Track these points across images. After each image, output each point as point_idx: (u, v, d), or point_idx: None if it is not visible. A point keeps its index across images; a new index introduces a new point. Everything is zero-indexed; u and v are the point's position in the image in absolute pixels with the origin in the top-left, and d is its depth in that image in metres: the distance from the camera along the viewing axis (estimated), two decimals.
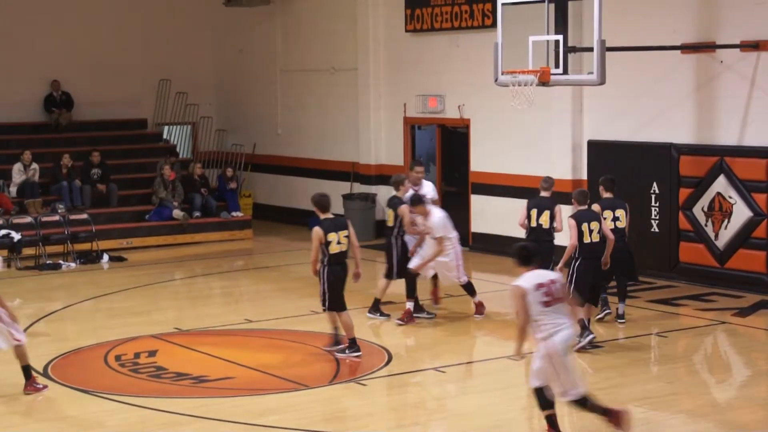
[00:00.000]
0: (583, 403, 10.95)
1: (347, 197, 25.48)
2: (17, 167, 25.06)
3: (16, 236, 22.98)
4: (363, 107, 25.69)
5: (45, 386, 13.44)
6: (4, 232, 23.00)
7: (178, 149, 29.06)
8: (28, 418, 12.95)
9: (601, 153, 20.79)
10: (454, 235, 16.97)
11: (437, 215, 16.52)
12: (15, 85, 27.19)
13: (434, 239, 16.42)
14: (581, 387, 10.96)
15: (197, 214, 25.44)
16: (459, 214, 23.29)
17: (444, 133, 24.27)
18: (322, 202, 14.92)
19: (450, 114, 23.78)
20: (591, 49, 17.03)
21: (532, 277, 10.95)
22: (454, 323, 17.09)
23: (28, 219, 23.60)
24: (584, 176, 21.03)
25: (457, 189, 23.84)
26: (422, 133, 24.92)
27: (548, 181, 17.23)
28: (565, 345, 11.00)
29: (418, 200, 16.55)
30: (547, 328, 10.85)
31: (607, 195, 16.59)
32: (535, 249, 11.56)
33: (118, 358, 15.16)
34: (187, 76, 29.24)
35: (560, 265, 15.09)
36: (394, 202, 16.86)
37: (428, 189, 17.78)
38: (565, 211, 16.54)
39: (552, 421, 10.99)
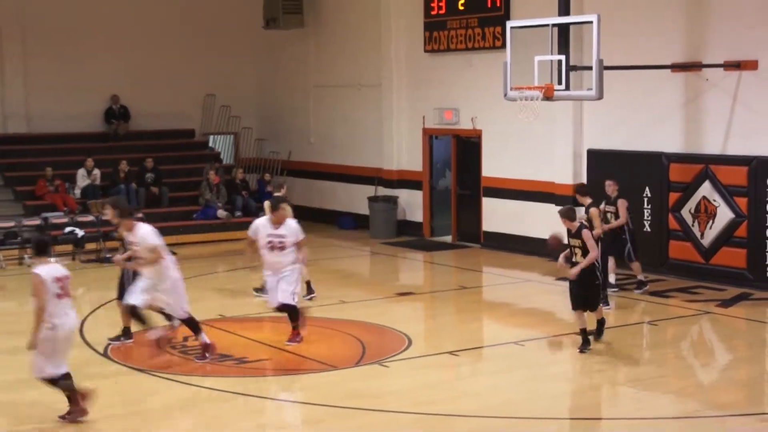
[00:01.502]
0: (57, 382, 11.37)
1: (372, 199, 25.51)
2: (81, 172, 25.19)
3: (80, 233, 23.11)
4: (386, 119, 25.69)
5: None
6: (69, 228, 23.14)
7: (222, 156, 29.12)
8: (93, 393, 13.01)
9: (599, 160, 20.76)
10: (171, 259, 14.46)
11: (146, 228, 14.20)
12: (79, 100, 27.29)
13: (148, 250, 13.92)
14: (63, 369, 11.34)
15: (239, 213, 25.51)
16: (472, 215, 23.38)
17: (459, 142, 24.24)
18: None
19: (464, 125, 23.78)
20: (590, 68, 17.04)
21: (50, 270, 11.22)
22: (467, 312, 17.06)
23: (91, 218, 23.70)
24: (584, 180, 20.98)
25: (470, 192, 23.81)
26: (439, 142, 24.90)
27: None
28: (68, 333, 11.39)
29: None
30: (59, 315, 11.12)
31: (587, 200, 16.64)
32: (50, 240, 12.02)
33: (169, 340, 15.21)
34: (231, 91, 29.29)
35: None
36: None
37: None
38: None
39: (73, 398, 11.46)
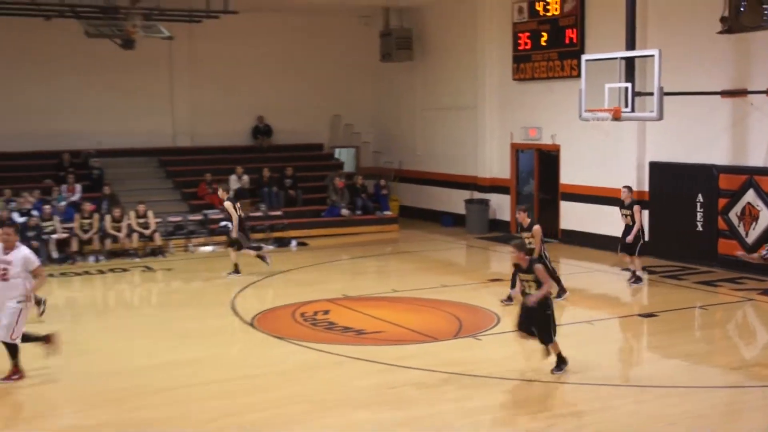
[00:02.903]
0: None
1: (468, 201, 25.50)
2: (233, 177, 25.56)
3: (230, 225, 23.45)
4: (480, 135, 25.62)
5: None
6: (223, 223, 23.49)
7: (345, 165, 29.29)
8: (241, 355, 13.22)
9: (659, 171, 20.54)
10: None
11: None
12: (232, 119, 27.74)
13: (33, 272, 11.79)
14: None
15: (359, 212, 25.69)
16: (551, 215, 23.20)
17: (540, 155, 24.06)
18: None
19: (545, 141, 23.62)
20: (652, 94, 16.82)
21: None
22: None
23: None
24: (646, 188, 20.76)
25: (550, 196, 23.64)
26: (524, 155, 24.74)
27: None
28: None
29: None
30: None
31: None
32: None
33: (302, 314, 15.40)
34: (353, 112, 29.50)
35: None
36: None
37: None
38: None
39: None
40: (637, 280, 17.65)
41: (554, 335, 11.79)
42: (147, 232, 22.17)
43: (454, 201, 26.40)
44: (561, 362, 11.84)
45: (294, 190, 26.01)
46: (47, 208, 22.11)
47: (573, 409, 10.70)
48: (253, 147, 28.05)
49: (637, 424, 10.14)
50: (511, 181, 24.92)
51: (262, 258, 19.44)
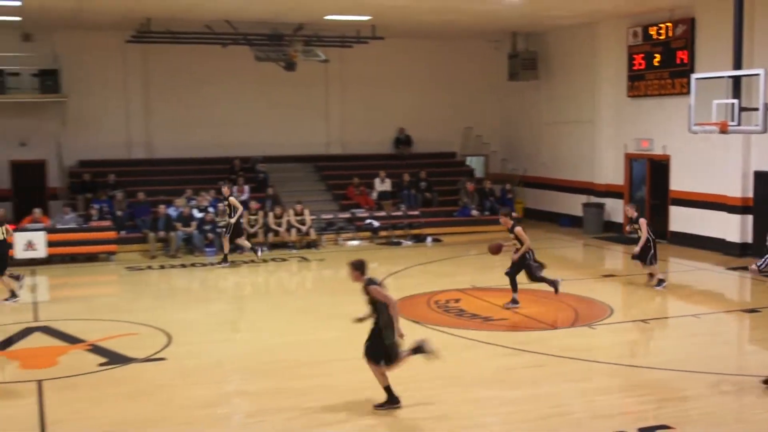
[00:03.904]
0: None
1: (586, 205, 25.02)
2: (377, 181, 25.80)
3: (375, 223, 23.70)
4: (597, 146, 25.11)
5: None
6: (368, 220, 23.78)
7: (475, 171, 29.17)
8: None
9: (763, 179, 19.73)
10: None
11: None
12: (377, 130, 27.98)
13: None
14: None
15: (487, 213, 25.51)
16: (661, 218, 22.56)
17: (652, 164, 23.41)
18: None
19: (656, 151, 22.96)
20: (757, 109, 16.11)
21: None
22: (656, 291, 16.45)
23: (383, 213, 24.28)
24: (750, 194, 19.97)
25: (660, 201, 22.98)
26: (637, 163, 24.10)
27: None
28: None
29: None
30: None
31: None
32: None
33: (436, 302, 15.43)
34: (483, 125, 29.34)
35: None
36: None
37: None
38: None
39: None
40: (660, 282, 16.67)
41: (385, 361, 9.69)
42: (303, 227, 22.58)
43: (572, 204, 25.95)
44: (389, 399, 9.69)
45: (429, 192, 26.05)
46: (221, 205, 22.80)
47: (680, 395, 10.37)
48: (394, 155, 28.22)
49: (739, 411, 9.79)
50: (624, 187, 24.34)
51: (254, 250, 20.02)
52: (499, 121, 29.68)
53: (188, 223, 21.90)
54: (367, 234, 23.52)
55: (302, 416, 9.49)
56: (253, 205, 22.84)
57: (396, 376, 10.98)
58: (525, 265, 14.85)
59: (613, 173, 24.74)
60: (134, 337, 13.04)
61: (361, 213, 24.25)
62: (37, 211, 21.39)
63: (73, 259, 20.57)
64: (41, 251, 20.21)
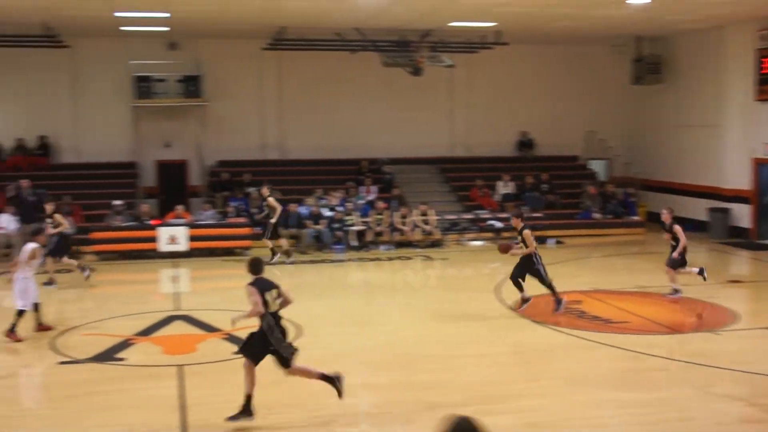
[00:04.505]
0: None
1: (711, 209, 24.15)
2: (500, 183, 25.62)
3: (498, 224, 23.54)
4: (723, 150, 24.20)
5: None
6: (491, 221, 23.66)
7: (597, 175, 28.57)
8: (502, 334, 13.21)
9: None
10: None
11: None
12: (500, 133, 27.76)
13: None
14: None
15: (609, 216, 24.95)
16: None
17: None
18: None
19: None
20: None
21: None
22: None
23: (506, 214, 24.08)
24: None
25: None
26: (765, 168, 23.11)
27: None
28: None
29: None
30: None
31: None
32: None
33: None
34: (605, 128, 28.69)
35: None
36: None
37: None
38: None
39: None
40: (674, 291, 15.71)
41: (282, 363, 9.24)
42: (427, 227, 22.66)
43: (697, 208, 25.07)
44: (245, 409, 9.12)
45: (551, 194, 25.69)
46: (349, 205, 23.14)
47: None
48: (517, 157, 27.95)
49: None
50: (752, 192, 23.37)
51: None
52: (621, 125, 28.97)
53: (318, 221, 22.31)
54: (490, 234, 23.38)
55: (426, 410, 9.52)
56: (380, 205, 23.07)
57: (514, 372, 10.89)
58: (533, 269, 14.35)
59: (739, 178, 23.79)
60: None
61: (484, 214, 24.14)
62: (180, 208, 22.26)
63: (212, 253, 21.25)
64: (183, 245, 21.00)
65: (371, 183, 24.97)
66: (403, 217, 22.65)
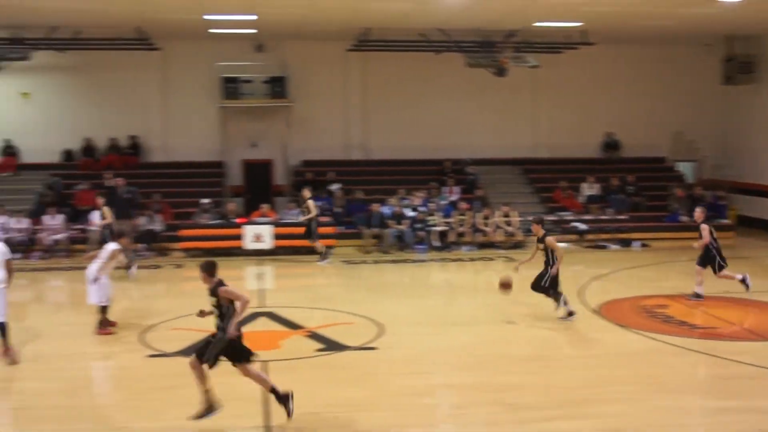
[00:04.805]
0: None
1: None
2: (585, 185, 25.25)
3: (582, 227, 23.20)
4: None
5: None
6: (575, 223, 23.34)
7: (685, 177, 27.88)
8: (586, 337, 13.01)
9: None
10: None
11: None
12: (584, 134, 27.30)
13: None
14: None
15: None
16: None
17: None
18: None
19: None
20: None
21: None
22: None
23: (590, 216, 23.73)
24: None
25: None
26: None
27: None
28: None
29: None
30: None
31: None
32: None
33: (642, 307, 14.90)
34: (693, 129, 27.91)
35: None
36: None
37: None
38: None
39: None
40: (696, 295, 15.34)
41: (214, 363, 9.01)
42: (510, 228, 22.48)
43: None
44: (208, 409, 9.01)
45: (637, 196, 25.18)
46: (431, 205, 23.13)
47: None
48: (602, 159, 27.48)
49: None
50: None
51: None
52: (710, 126, 28.18)
53: (400, 220, 22.36)
54: (574, 237, 23.06)
55: (506, 411, 9.45)
56: (463, 205, 23.00)
57: (594, 376, 10.71)
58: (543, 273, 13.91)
59: None
60: (349, 327, 13.46)
61: (567, 216, 23.82)
62: (265, 207, 22.62)
63: (296, 251, 21.51)
64: (268, 243, 21.32)
65: (454, 183, 24.91)
66: (486, 218, 22.53)
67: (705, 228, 15.52)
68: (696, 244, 15.60)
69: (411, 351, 12.06)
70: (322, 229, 21.63)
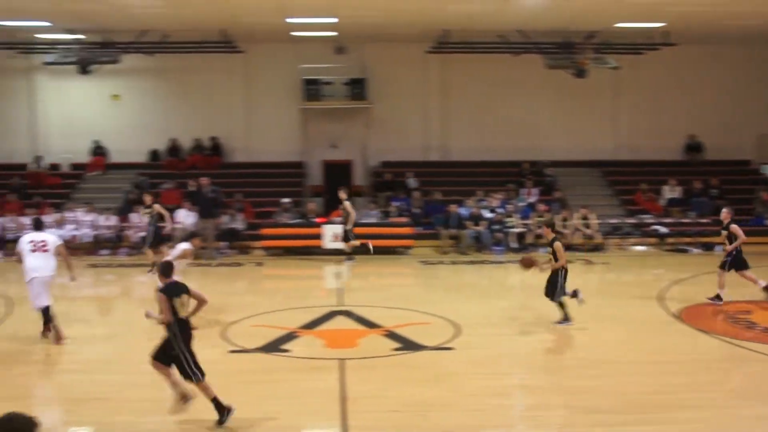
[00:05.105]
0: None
1: None
2: (666, 188, 24.85)
3: (662, 230, 22.77)
4: None
5: None
6: (655, 226, 22.93)
7: None
8: (665, 342, 12.76)
9: None
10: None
11: None
12: (666, 136, 26.81)
13: None
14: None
15: None
16: None
17: None
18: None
19: None
20: None
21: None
22: None
23: (671, 219, 23.31)
24: None
25: None
26: None
27: None
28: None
29: None
30: None
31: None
32: None
33: (724, 312, 14.53)
34: None
35: None
36: None
37: None
38: None
39: None
40: (717, 298, 15.01)
41: (198, 376, 8.81)
42: (588, 231, 22.19)
43: None
44: (220, 411, 8.85)
45: (720, 199, 24.55)
46: (509, 206, 22.99)
47: None
48: (684, 161, 26.91)
49: None
50: None
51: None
52: None
53: (478, 222, 22.29)
54: (654, 240, 22.63)
55: (580, 414, 9.35)
56: (541, 207, 22.81)
57: (672, 382, 10.51)
58: (553, 282, 13.48)
59: None
60: (425, 326, 13.49)
61: (648, 219, 23.39)
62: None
63: (374, 251, 21.62)
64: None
65: (532, 185, 24.71)
66: (564, 220, 22.29)
67: (736, 228, 15.39)
68: (727, 247, 15.36)
69: (487, 352, 12.02)
70: (400, 230, 21.72)
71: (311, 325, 13.64)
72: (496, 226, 22.26)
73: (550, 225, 14.22)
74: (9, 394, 9.93)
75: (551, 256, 13.66)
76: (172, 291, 8.82)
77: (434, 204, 23.82)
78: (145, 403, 9.78)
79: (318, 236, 21.63)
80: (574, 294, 13.73)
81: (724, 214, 15.91)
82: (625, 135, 27.13)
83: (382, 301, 15.62)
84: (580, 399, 9.82)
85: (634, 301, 15.70)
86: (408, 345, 12.31)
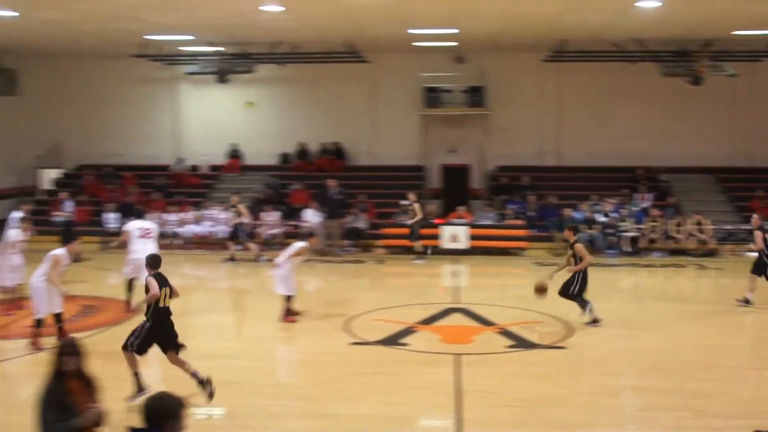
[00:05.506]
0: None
1: None
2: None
3: None
4: None
5: None
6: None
7: None
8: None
9: None
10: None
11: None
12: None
13: None
14: None
15: None
16: None
17: None
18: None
19: None
20: None
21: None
22: None
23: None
24: None
25: None
26: None
27: None
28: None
29: None
30: None
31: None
32: None
33: None
34: None
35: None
36: None
37: None
38: None
39: None
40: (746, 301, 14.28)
41: (134, 348, 9.18)
42: (702, 236, 21.40)
43: None
44: (139, 388, 9.18)
45: None
46: (623, 211, 22.41)
47: None
48: None
49: None
50: None
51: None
52: None
53: (592, 225, 21.83)
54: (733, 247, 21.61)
55: (694, 418, 9.03)
56: (654, 212, 22.15)
57: (715, 392, 10.02)
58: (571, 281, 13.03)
59: None
60: (538, 325, 13.33)
61: (766, 225, 22.29)
62: (461, 209, 22.79)
63: (489, 252, 21.50)
64: (463, 243, 21.47)
65: (646, 190, 24.02)
66: (678, 225, 21.57)
67: (759, 235, 14.83)
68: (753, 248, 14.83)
69: (599, 352, 11.78)
70: (515, 232, 21.53)
71: (428, 321, 13.68)
72: (610, 230, 21.74)
73: (573, 228, 13.86)
74: (164, 374, 10.35)
75: (571, 258, 13.29)
76: (162, 281, 9.30)
77: (549, 207, 23.49)
78: (277, 387, 10.04)
79: (436, 237, 21.66)
80: (585, 304, 13.29)
81: (755, 220, 15.59)
82: (741, 142, 26.00)
83: (497, 299, 15.52)
84: (693, 403, 9.49)
85: (750, 307, 15.03)
86: (521, 343, 12.20)
